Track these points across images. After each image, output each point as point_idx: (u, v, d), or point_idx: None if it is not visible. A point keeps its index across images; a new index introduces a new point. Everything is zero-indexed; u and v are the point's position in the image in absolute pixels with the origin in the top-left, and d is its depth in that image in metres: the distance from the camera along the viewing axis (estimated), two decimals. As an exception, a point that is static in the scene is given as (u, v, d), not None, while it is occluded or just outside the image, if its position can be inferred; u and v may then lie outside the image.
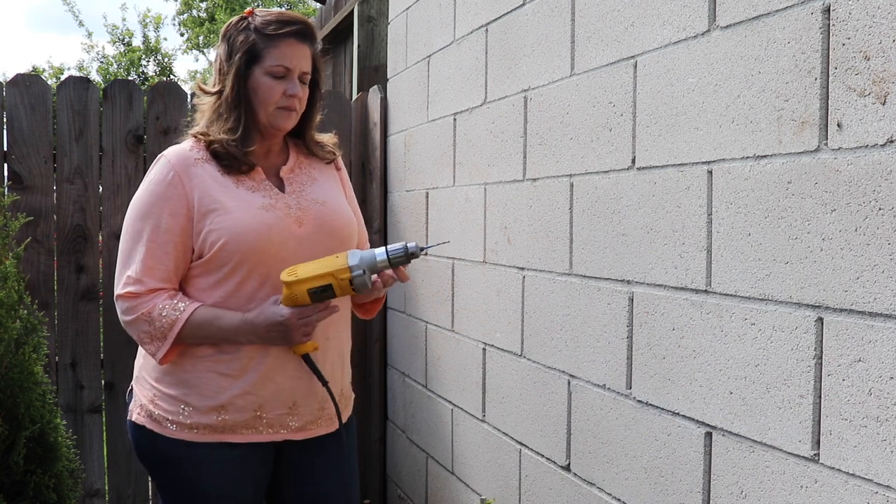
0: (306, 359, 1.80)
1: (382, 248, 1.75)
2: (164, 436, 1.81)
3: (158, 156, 1.86)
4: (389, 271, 1.78)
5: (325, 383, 1.84)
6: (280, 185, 1.88)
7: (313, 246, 1.83)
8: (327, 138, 2.02)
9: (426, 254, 1.82)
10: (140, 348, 1.91)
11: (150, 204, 1.79)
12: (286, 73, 1.82)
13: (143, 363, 1.89)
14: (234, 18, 1.88)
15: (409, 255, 1.74)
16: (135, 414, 1.87)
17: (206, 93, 1.87)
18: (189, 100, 3.14)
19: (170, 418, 1.80)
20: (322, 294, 1.72)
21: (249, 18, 1.84)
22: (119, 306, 1.81)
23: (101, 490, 3.08)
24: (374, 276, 1.78)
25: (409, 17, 3.00)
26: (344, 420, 1.91)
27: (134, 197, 1.84)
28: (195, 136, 1.85)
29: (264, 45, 1.81)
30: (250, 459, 1.83)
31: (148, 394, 1.85)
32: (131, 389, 1.93)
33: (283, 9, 20.14)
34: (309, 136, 1.97)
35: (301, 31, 1.84)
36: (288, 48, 1.82)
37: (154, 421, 1.82)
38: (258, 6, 19.86)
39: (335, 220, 1.90)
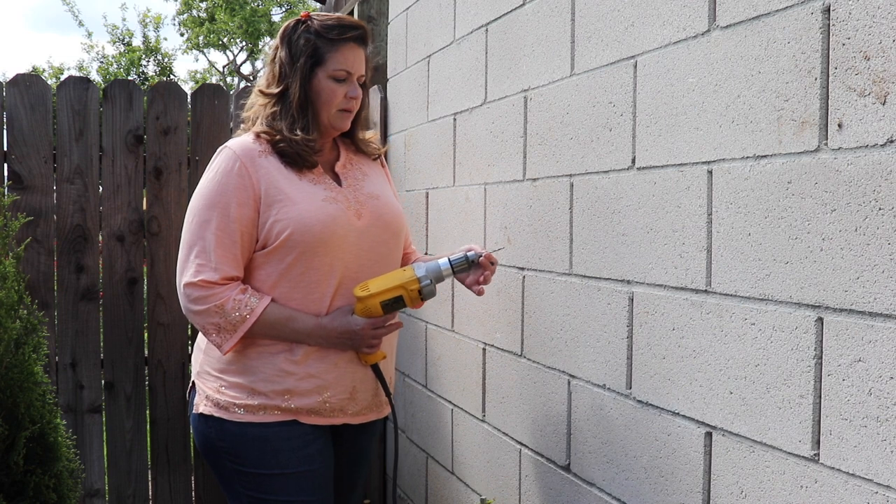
0: (375, 368, 1.94)
1: (445, 259, 1.87)
2: (234, 420, 1.86)
3: (220, 147, 1.91)
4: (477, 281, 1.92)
5: (388, 394, 1.99)
6: (336, 180, 1.95)
7: (370, 238, 1.92)
8: (371, 135, 2.11)
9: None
10: (197, 345, 1.99)
11: (219, 193, 1.83)
12: (347, 76, 1.91)
13: (204, 358, 1.94)
14: (291, 21, 1.95)
15: (470, 263, 1.87)
16: (201, 406, 1.91)
17: (265, 95, 1.92)
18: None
19: (237, 403, 1.86)
20: (394, 305, 1.84)
21: (308, 22, 1.91)
22: (188, 294, 1.82)
23: (101, 490, 3.08)
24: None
25: (409, 16, 3.00)
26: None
27: (198, 187, 1.89)
28: (257, 135, 1.90)
29: (327, 50, 1.88)
30: (318, 436, 1.90)
31: (213, 384, 1.90)
32: (192, 387, 1.99)
33: (284, 9, 20.17)
34: (358, 134, 2.05)
35: (361, 36, 1.93)
36: (350, 52, 1.90)
37: (221, 408, 1.87)
38: (258, 4, 19.88)
39: (388, 213, 1.99)
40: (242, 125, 1.99)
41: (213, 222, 1.81)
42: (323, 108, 1.90)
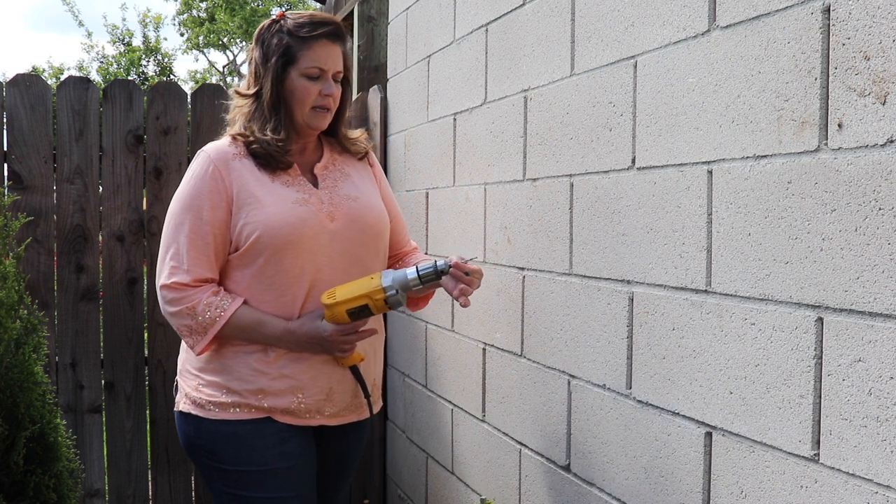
0: (353, 370, 1.93)
1: (413, 268, 1.84)
2: (210, 419, 1.88)
3: (198, 151, 1.93)
4: (456, 285, 1.84)
5: (367, 395, 1.98)
6: (314, 181, 1.95)
7: (344, 240, 1.91)
8: (358, 134, 2.07)
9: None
10: (182, 344, 2.00)
11: (192, 196, 1.85)
12: (321, 73, 1.90)
13: (186, 357, 1.96)
14: (266, 21, 1.95)
15: (438, 273, 1.82)
16: (181, 404, 1.94)
17: (242, 96, 1.93)
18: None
19: (213, 401, 1.87)
20: (360, 313, 1.82)
21: (281, 21, 1.91)
22: (163, 296, 1.85)
23: (101, 490, 3.08)
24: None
25: (409, 16, 3.00)
26: (375, 410, 2.04)
27: (177, 190, 1.91)
28: (233, 137, 1.91)
29: (299, 48, 1.87)
30: (294, 434, 1.90)
31: (192, 383, 1.92)
32: (177, 384, 2.01)
33: (285, 9, 20.17)
34: (341, 133, 2.04)
35: (333, 31, 1.91)
36: (322, 49, 1.89)
37: (199, 406, 1.89)
38: (258, 4, 19.88)
39: (367, 215, 1.97)
40: (228, 127, 2.00)
41: (187, 225, 1.83)
42: (296, 106, 1.89)
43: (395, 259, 2.16)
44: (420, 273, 1.82)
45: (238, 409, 1.86)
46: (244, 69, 21.68)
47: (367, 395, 1.98)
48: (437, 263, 1.83)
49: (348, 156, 2.05)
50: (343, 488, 2.13)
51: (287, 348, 1.86)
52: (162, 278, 1.84)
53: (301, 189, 1.90)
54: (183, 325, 1.84)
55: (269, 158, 1.87)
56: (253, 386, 1.86)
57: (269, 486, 1.87)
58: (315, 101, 1.89)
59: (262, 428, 1.87)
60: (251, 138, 1.87)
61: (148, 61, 18.14)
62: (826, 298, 1.21)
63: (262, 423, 1.87)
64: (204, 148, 1.92)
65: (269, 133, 1.86)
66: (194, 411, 1.89)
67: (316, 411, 1.91)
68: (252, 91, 1.90)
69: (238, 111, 1.94)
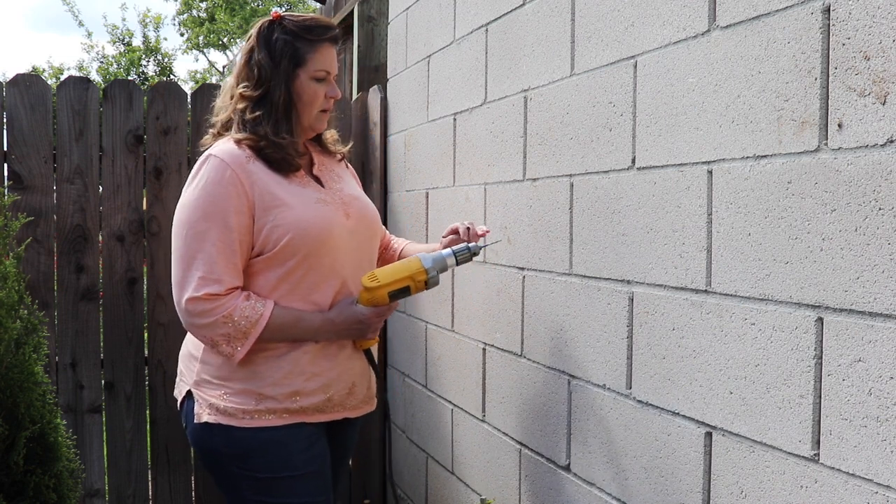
0: (367, 353, 2.01)
1: (449, 250, 1.96)
2: (242, 427, 1.84)
3: (205, 156, 1.85)
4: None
5: (377, 372, 2.05)
6: (318, 182, 1.96)
7: (358, 237, 1.96)
8: (331, 135, 2.11)
9: (480, 252, 2.03)
10: (189, 355, 1.95)
11: (212, 203, 1.79)
12: (327, 76, 1.91)
13: (201, 367, 1.89)
14: (264, 22, 1.91)
15: (472, 253, 1.97)
16: (204, 415, 1.86)
17: (246, 97, 1.88)
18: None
19: (244, 408, 1.84)
20: (400, 294, 1.90)
21: (283, 22, 1.89)
22: (192, 309, 1.77)
23: (101, 490, 3.08)
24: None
25: (409, 16, 3.00)
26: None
27: (188, 198, 1.82)
28: (237, 141, 1.86)
29: (306, 51, 1.88)
30: (320, 436, 1.93)
31: (216, 392, 1.87)
32: (189, 395, 1.92)
33: (285, 9, 20.17)
34: (325, 135, 2.06)
35: (336, 36, 1.94)
36: (327, 52, 1.91)
37: (227, 415, 1.85)
38: (258, 4, 19.88)
39: (369, 212, 2.03)
40: (211, 129, 1.95)
41: (213, 233, 1.77)
42: (305, 109, 1.90)
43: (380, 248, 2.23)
44: (456, 254, 1.94)
45: (273, 415, 1.84)
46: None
47: (375, 371, 2.03)
48: (470, 245, 1.96)
49: (330, 156, 2.07)
50: (343, 479, 2.16)
51: (325, 339, 1.88)
52: (189, 291, 1.76)
53: (316, 189, 1.92)
54: (219, 335, 1.78)
55: (282, 162, 1.85)
56: (288, 389, 1.85)
57: (300, 491, 1.86)
58: (321, 103, 1.92)
59: (296, 433, 1.86)
60: (262, 143, 1.84)
61: (148, 61, 18.12)
62: (826, 298, 1.21)
63: (296, 428, 1.87)
64: (212, 153, 1.84)
65: (285, 136, 1.85)
66: (224, 421, 1.84)
67: (340, 405, 1.94)
68: (257, 93, 1.86)
69: (237, 113, 1.89)
